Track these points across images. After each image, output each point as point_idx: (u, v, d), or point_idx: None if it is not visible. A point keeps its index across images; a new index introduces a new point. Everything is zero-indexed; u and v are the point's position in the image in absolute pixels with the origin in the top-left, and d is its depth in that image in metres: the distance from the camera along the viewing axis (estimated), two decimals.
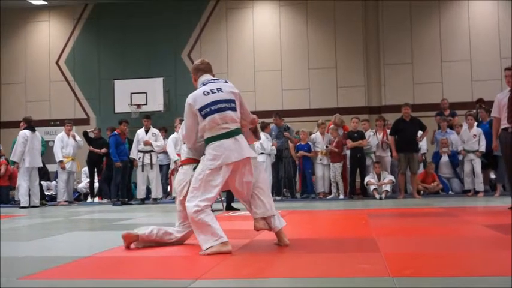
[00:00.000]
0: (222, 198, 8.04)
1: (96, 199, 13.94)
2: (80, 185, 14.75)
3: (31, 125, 12.59)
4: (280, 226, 4.51)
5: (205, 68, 4.66)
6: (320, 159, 13.04)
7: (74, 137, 13.63)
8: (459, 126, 12.69)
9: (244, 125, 4.60)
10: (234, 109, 4.39)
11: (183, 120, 4.69)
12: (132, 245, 4.56)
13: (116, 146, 12.65)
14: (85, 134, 14.03)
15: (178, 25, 17.31)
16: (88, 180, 14.42)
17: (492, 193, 12.05)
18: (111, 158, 12.94)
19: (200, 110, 4.35)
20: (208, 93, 4.40)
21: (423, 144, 13.36)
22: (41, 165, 12.72)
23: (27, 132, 12.39)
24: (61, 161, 13.15)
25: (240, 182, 4.39)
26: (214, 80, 4.57)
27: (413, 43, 16.36)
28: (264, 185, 4.54)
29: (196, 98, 4.41)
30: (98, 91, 17.66)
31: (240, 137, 4.36)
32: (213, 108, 4.33)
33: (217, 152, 4.26)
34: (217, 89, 4.43)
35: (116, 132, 12.87)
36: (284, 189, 13.15)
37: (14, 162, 12.53)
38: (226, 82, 4.58)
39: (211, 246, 4.10)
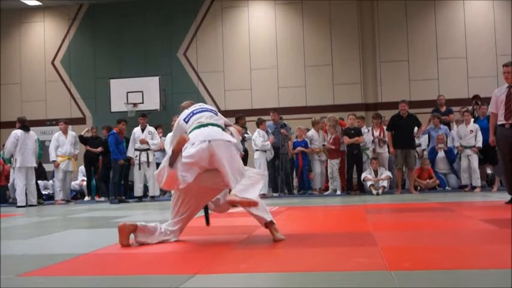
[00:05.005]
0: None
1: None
2: (73, 183, 14.72)
3: (25, 125, 12.59)
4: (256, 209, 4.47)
5: (188, 106, 5.08)
6: (319, 156, 13.09)
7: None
8: (461, 122, 12.56)
9: None
10: (215, 113, 4.86)
11: None
12: (131, 241, 4.54)
13: (115, 144, 12.66)
14: (80, 137, 14.04)
15: (174, 24, 17.30)
16: (83, 178, 14.48)
17: (489, 188, 12.10)
18: (108, 157, 12.97)
19: (184, 119, 4.83)
20: (191, 109, 4.92)
21: (423, 140, 13.40)
22: (35, 164, 12.66)
23: (18, 132, 12.40)
24: (54, 161, 13.17)
25: (218, 163, 4.43)
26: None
27: (409, 40, 16.40)
28: (254, 175, 4.57)
29: (181, 115, 4.92)
30: (94, 90, 17.66)
31: (214, 127, 4.62)
32: (194, 112, 4.82)
33: (190, 140, 4.50)
34: (199, 105, 4.96)
35: (114, 131, 12.87)
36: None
37: (10, 161, 12.60)
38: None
39: None
